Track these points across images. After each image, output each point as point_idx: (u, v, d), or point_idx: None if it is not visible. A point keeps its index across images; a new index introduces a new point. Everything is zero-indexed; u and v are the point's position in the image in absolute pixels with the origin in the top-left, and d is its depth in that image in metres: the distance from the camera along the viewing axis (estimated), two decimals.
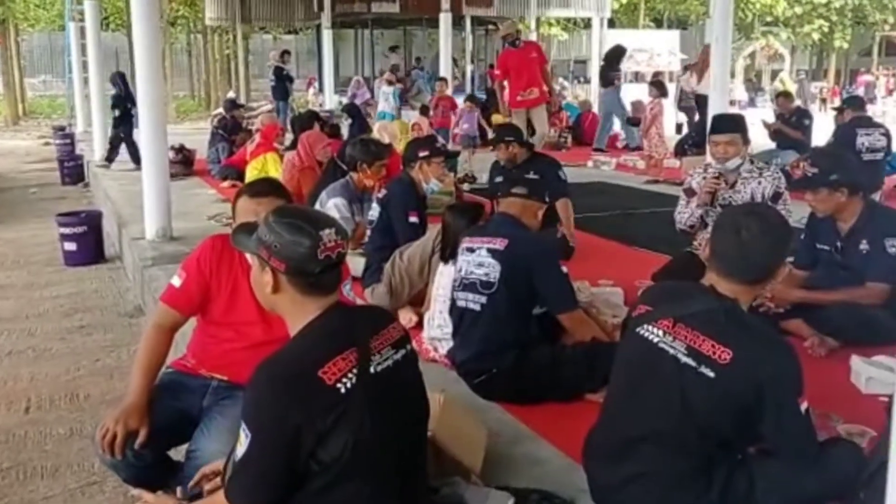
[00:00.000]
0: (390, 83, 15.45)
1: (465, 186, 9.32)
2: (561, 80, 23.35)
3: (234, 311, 2.75)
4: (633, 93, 14.93)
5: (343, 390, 1.86)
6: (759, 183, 4.67)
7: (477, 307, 3.37)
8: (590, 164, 11.44)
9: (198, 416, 2.71)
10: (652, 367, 2.30)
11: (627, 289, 4.71)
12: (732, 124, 4.74)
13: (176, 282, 2.80)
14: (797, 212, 4.51)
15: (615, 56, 14.67)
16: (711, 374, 2.18)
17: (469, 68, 22.21)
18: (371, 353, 1.97)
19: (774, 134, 10.26)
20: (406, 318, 4.33)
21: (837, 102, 31.15)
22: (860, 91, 27.76)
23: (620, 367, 2.45)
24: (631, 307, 2.50)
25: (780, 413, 2.18)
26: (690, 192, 4.84)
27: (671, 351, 2.26)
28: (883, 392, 3.38)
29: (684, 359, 2.23)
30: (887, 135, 8.13)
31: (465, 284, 3.42)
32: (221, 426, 2.57)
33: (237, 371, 2.63)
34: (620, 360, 2.45)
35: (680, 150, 11.66)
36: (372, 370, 1.95)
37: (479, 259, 3.37)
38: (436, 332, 3.78)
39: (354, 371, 1.90)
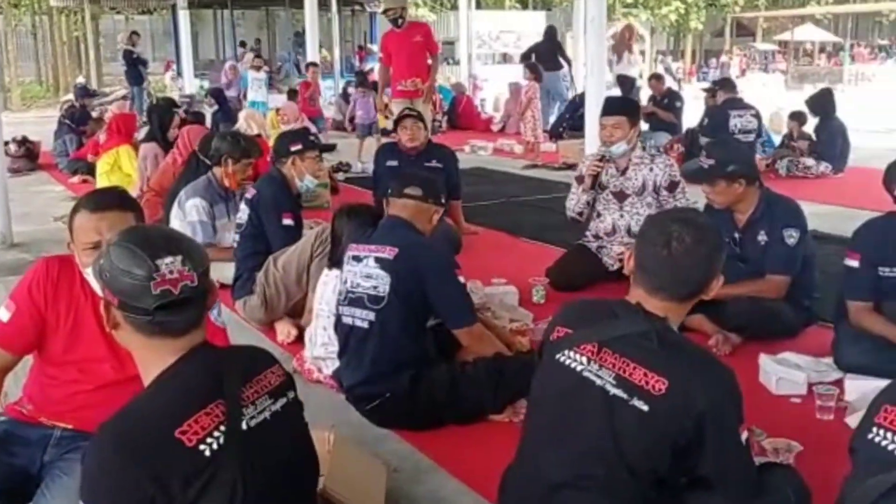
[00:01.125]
0: (258, 68, 14.46)
1: (340, 176, 8.90)
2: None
3: (77, 346, 2.30)
4: (503, 75, 14.83)
5: (208, 453, 1.55)
6: (651, 170, 4.52)
7: (365, 324, 2.99)
8: (466, 148, 11.20)
9: (38, 474, 2.28)
10: (576, 400, 2.00)
11: (521, 287, 4.45)
12: (620, 107, 4.58)
13: (3, 315, 2.31)
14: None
15: (551, 36, 14.29)
16: (645, 408, 1.90)
17: (336, 51, 21.58)
18: (243, 406, 1.66)
19: (647, 116, 10.30)
20: (284, 331, 3.92)
21: (695, 82, 32.38)
22: (717, 72, 28.84)
23: (539, 400, 2.14)
24: (547, 329, 2.19)
25: (721, 446, 1.93)
26: (581, 179, 4.65)
27: (598, 381, 1.97)
28: (793, 392, 3.24)
29: (613, 390, 1.95)
30: (758, 116, 8.24)
31: (351, 299, 3.03)
32: (68, 486, 2.13)
33: (84, 417, 2.22)
34: (538, 393, 2.14)
35: (555, 134, 11.59)
36: (244, 426, 1.63)
37: (366, 270, 3.00)
38: (319, 350, 3.39)
39: (222, 428, 1.59)
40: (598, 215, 4.66)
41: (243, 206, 4.30)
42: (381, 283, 2.95)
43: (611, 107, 4.61)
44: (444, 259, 3.10)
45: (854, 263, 3.40)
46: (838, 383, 3.27)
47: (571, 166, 9.30)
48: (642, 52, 26.34)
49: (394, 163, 5.66)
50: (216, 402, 1.61)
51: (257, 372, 1.77)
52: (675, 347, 1.96)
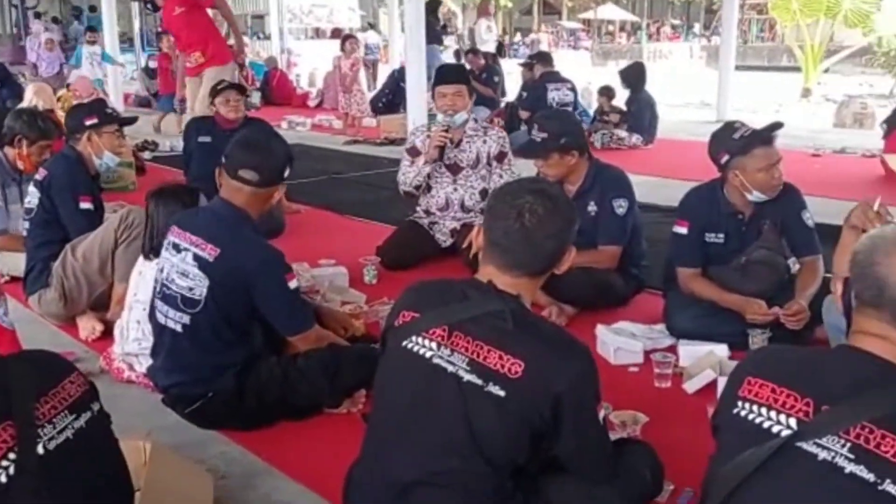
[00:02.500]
0: (93, 42, 12.95)
1: (146, 155, 8.28)
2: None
3: None
4: (318, 50, 14.44)
5: None
6: (485, 142, 4.43)
7: (178, 328, 2.64)
8: (284, 124, 10.78)
9: None
10: (427, 390, 1.83)
11: (352, 267, 4.23)
12: (459, 74, 4.46)
13: None
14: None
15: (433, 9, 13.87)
16: (502, 393, 1.75)
17: (136, 23, 20.27)
18: (38, 426, 1.41)
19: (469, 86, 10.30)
20: (88, 327, 3.49)
21: (508, 59, 33.06)
22: (528, 49, 29.53)
23: (385, 391, 1.94)
24: (390, 314, 2.00)
25: (579, 428, 1.83)
26: (414, 152, 4.48)
27: (450, 368, 1.81)
28: (631, 361, 3.23)
29: (467, 376, 1.79)
30: (574, 89, 8.40)
31: (165, 294, 2.67)
32: None
33: None
34: (384, 384, 1.95)
35: (375, 109, 11.38)
36: (40, 449, 1.40)
37: (183, 266, 2.62)
38: (132, 346, 3.01)
39: (11, 456, 1.36)
40: (430, 189, 4.51)
41: (32, 189, 3.77)
42: (197, 285, 2.59)
43: (450, 75, 4.47)
44: (274, 265, 2.69)
45: (682, 230, 3.44)
46: (672, 349, 3.30)
47: (394, 141, 9.17)
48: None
49: (206, 138, 5.25)
50: (4, 424, 1.37)
51: (54, 383, 1.50)
52: (531, 327, 1.83)
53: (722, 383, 2.87)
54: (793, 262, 3.47)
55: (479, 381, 1.77)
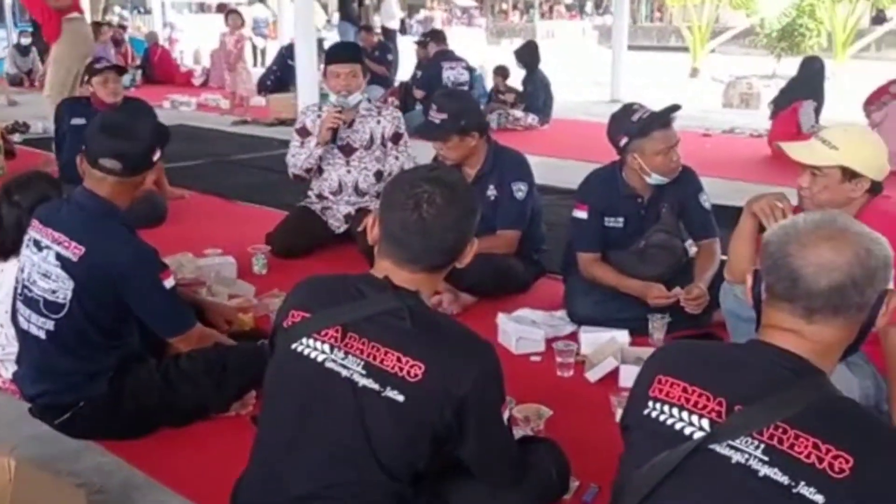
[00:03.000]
0: None
1: (17, 137, 7.74)
2: (118, 9, 21.17)
3: None
4: (203, 24, 13.89)
5: None
6: (379, 122, 4.27)
7: (41, 334, 2.39)
8: (166, 104, 10.31)
9: None
10: (319, 396, 1.69)
11: (240, 256, 4.01)
12: (353, 53, 4.27)
13: None
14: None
15: None
16: (400, 398, 1.63)
17: None
18: None
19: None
20: None
21: (400, 36, 32.75)
22: (421, 27, 29.30)
23: (274, 398, 1.79)
24: (279, 313, 1.83)
25: (483, 431, 1.73)
26: (304, 132, 4.29)
27: (344, 372, 1.67)
28: (533, 350, 3.16)
29: (363, 381, 1.65)
30: (469, 68, 8.30)
31: (27, 297, 2.41)
32: None
33: None
34: (273, 390, 1.79)
35: (263, 88, 11.01)
36: None
37: (45, 266, 2.36)
38: None
39: None
40: (322, 172, 4.32)
41: None
42: (61, 287, 2.34)
43: (344, 54, 4.27)
44: (146, 263, 2.44)
45: (582, 215, 3.38)
46: (573, 336, 3.24)
47: (284, 122, 8.88)
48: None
49: (80, 121, 4.88)
50: None
51: None
52: (431, 326, 1.70)
53: (624, 371, 2.88)
54: (690, 245, 3.47)
55: (376, 386, 1.64)
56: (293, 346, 1.72)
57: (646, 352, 2.99)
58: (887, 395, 2.33)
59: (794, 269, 1.39)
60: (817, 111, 7.35)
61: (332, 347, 1.69)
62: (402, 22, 16.70)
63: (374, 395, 1.64)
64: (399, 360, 1.64)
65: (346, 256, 4.16)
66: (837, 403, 1.34)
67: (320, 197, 4.37)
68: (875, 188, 2.42)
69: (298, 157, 4.24)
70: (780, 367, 1.37)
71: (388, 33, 11.74)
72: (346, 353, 1.68)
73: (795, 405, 1.30)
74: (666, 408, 1.42)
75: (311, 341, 1.71)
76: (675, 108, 3.26)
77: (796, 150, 2.44)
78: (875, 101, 6.87)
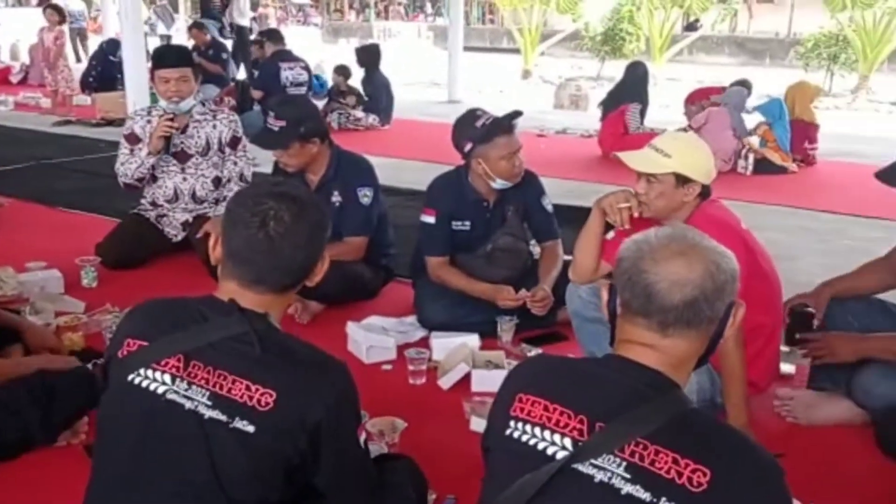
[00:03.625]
0: None
1: None
2: None
3: None
4: (21, 18, 12.96)
5: None
6: (215, 127, 4.09)
7: None
8: None
9: None
10: (161, 431, 1.56)
11: (67, 269, 3.73)
12: (182, 57, 4.05)
13: None
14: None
15: None
16: (250, 429, 1.53)
17: None
18: None
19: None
20: None
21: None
22: (256, 24, 28.57)
23: (110, 434, 1.64)
24: (113, 342, 1.69)
25: (339, 457, 1.65)
26: (134, 139, 4.04)
27: (188, 404, 1.55)
28: (384, 359, 3.11)
29: (209, 412, 1.54)
30: (308, 68, 8.15)
31: None
32: None
33: None
34: (109, 425, 1.64)
35: (87, 86, 10.40)
36: None
37: None
38: None
39: None
40: (156, 180, 4.09)
41: None
42: None
43: (172, 57, 4.01)
44: None
45: (430, 219, 3.38)
46: (424, 342, 3.22)
47: (112, 122, 8.41)
48: None
49: None
50: None
51: None
52: (282, 350, 1.61)
53: (475, 376, 2.88)
54: (534, 247, 3.54)
55: (224, 417, 1.53)
56: (130, 377, 1.59)
57: (496, 355, 3.03)
58: (721, 389, 2.45)
59: (649, 285, 1.41)
60: (643, 113, 7.72)
61: (173, 378, 1.57)
62: (253, 19, 16.16)
63: (221, 426, 1.53)
64: (248, 388, 1.54)
65: (185, 266, 3.97)
66: (695, 417, 1.37)
67: (154, 204, 4.13)
68: (704, 192, 2.54)
69: (129, 166, 3.99)
70: (638, 383, 1.38)
71: (241, 31, 11.32)
72: (190, 384, 1.56)
73: (655, 421, 1.32)
74: (528, 427, 1.41)
75: (149, 372, 1.58)
76: (517, 114, 3.31)
77: (633, 160, 2.53)
78: (696, 101, 7.30)
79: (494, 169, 3.24)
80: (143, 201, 4.18)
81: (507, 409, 1.46)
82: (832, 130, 8.93)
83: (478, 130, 3.23)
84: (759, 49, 26.52)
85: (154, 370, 1.57)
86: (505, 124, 3.24)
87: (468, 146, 3.26)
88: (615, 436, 1.33)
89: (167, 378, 1.56)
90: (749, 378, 2.45)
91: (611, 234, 2.74)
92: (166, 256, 4.11)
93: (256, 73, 8.56)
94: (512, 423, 1.43)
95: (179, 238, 4.12)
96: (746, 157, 6.79)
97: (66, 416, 2.38)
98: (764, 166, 6.80)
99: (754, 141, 7.11)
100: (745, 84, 7.70)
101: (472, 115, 3.30)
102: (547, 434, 1.39)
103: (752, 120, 7.49)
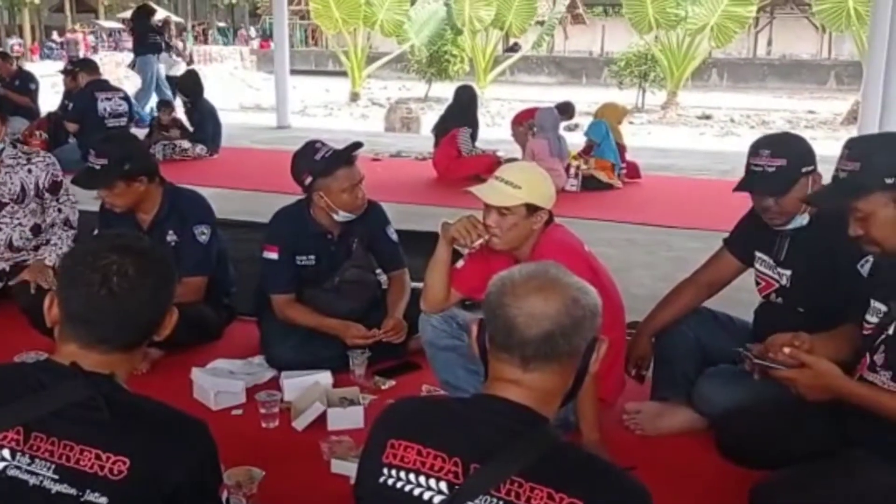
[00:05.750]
0: None
1: None
2: None
3: None
4: None
5: None
6: (31, 171, 3.81)
7: None
8: None
9: None
10: None
11: None
12: None
13: None
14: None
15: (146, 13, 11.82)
16: (103, 500, 1.43)
17: None
18: None
19: None
20: None
21: (41, 61, 30.10)
22: (64, 50, 27.16)
23: None
24: None
25: None
26: None
27: (32, 480, 1.43)
28: (234, 403, 3.00)
29: (56, 487, 1.43)
30: (127, 98, 7.80)
31: None
32: None
33: None
34: None
35: None
36: None
37: None
38: None
39: None
40: None
41: None
42: None
43: None
44: None
45: (273, 256, 3.30)
46: (274, 383, 3.13)
47: None
48: None
49: None
50: None
51: None
52: (133, 412, 1.51)
53: (331, 415, 2.83)
54: (379, 275, 3.52)
55: (73, 491, 1.43)
56: None
57: (351, 391, 2.99)
58: (574, 408, 2.52)
59: (509, 319, 1.44)
60: (473, 136, 7.91)
61: (13, 452, 1.44)
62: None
63: (71, 501, 1.42)
64: (99, 457, 1.44)
65: (4, 316, 3.68)
66: (566, 451, 1.40)
67: None
68: (549, 217, 2.63)
69: None
70: (508, 420, 1.40)
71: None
72: (33, 458, 1.44)
73: (527, 458, 1.33)
74: (402, 473, 1.39)
75: None
76: (358, 145, 3.30)
77: (487, 193, 2.57)
78: (523, 122, 7.54)
79: (337, 201, 3.21)
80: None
81: (378, 456, 1.43)
82: (649, 144, 9.52)
83: (318, 163, 3.19)
84: (575, 68, 27.97)
85: None
86: (345, 156, 3.22)
87: (308, 179, 3.21)
88: (490, 476, 1.33)
89: (6, 453, 1.44)
90: (599, 394, 2.55)
91: (460, 263, 2.77)
92: None
93: (70, 104, 8.08)
94: (385, 471, 1.41)
95: None
96: (576, 176, 7.09)
97: None
98: (591, 183, 7.12)
99: (578, 160, 7.43)
100: (567, 107, 8.04)
101: (311, 147, 3.25)
102: (422, 479, 1.38)
103: (578, 141, 7.85)
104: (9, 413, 1.46)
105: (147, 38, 11.53)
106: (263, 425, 2.85)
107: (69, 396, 1.47)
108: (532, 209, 2.54)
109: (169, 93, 11.34)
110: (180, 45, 11.98)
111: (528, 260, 2.54)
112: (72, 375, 1.50)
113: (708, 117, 16.87)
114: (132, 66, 11.70)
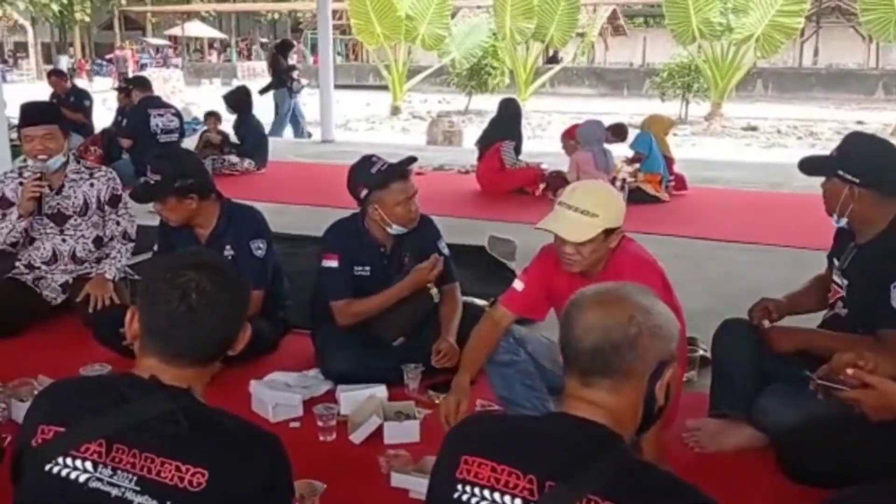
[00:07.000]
0: None
1: None
2: None
3: None
4: None
5: None
6: (92, 185, 3.92)
7: None
8: None
9: None
10: None
11: None
12: (47, 114, 3.87)
13: None
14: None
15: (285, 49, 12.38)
16: None
17: None
18: None
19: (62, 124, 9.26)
20: None
21: (87, 76, 30.81)
22: (114, 67, 27.73)
23: None
24: (23, 430, 1.58)
25: None
26: (5, 203, 3.83)
27: (114, 491, 1.47)
28: (291, 416, 3.03)
29: (137, 498, 1.46)
30: (179, 114, 7.94)
31: None
32: None
33: None
34: None
35: None
36: None
37: None
38: None
39: None
40: (32, 242, 3.87)
41: None
42: None
43: (35, 115, 3.81)
44: None
45: (332, 264, 3.34)
46: (330, 395, 3.16)
47: None
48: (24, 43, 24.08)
49: None
50: None
51: None
52: (210, 425, 1.55)
53: (387, 428, 2.85)
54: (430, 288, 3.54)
55: (154, 502, 1.46)
56: (47, 467, 1.49)
57: (407, 405, 3.01)
58: None
59: (569, 330, 1.47)
60: (517, 149, 7.92)
61: (95, 465, 1.48)
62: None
63: None
64: (178, 469, 1.47)
65: (67, 329, 3.78)
66: (642, 470, 1.39)
67: (31, 267, 3.90)
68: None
69: (0, 232, 3.78)
70: (584, 438, 1.40)
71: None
72: (115, 470, 1.47)
73: (604, 476, 1.33)
74: (476, 490, 1.40)
75: (69, 460, 1.48)
76: (412, 160, 3.33)
77: (565, 230, 2.51)
78: (574, 136, 7.52)
79: (391, 214, 3.25)
80: (18, 264, 3.94)
81: (452, 471, 1.45)
82: (694, 156, 9.43)
83: (374, 176, 3.23)
84: (617, 80, 27.83)
85: (74, 458, 1.48)
86: (400, 170, 3.25)
87: (364, 192, 3.26)
88: (567, 494, 1.34)
89: (88, 465, 1.48)
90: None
91: (518, 284, 2.78)
92: (46, 320, 3.88)
93: (124, 120, 8.26)
94: (459, 487, 1.42)
95: (59, 301, 3.91)
96: (622, 188, 7.06)
97: None
98: (637, 196, 7.08)
99: (626, 172, 7.40)
100: (620, 129, 7.96)
101: (367, 161, 3.30)
102: (497, 496, 1.38)
103: (620, 153, 7.81)
104: (91, 425, 1.50)
105: (282, 75, 12.25)
106: (321, 438, 2.88)
107: (150, 410, 1.51)
108: (609, 231, 2.53)
109: (303, 124, 12.50)
110: (304, 81, 12.62)
111: (600, 275, 2.54)
112: (152, 389, 1.54)
113: (753, 128, 16.71)
114: (263, 92, 12.31)
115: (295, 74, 12.30)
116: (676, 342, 1.50)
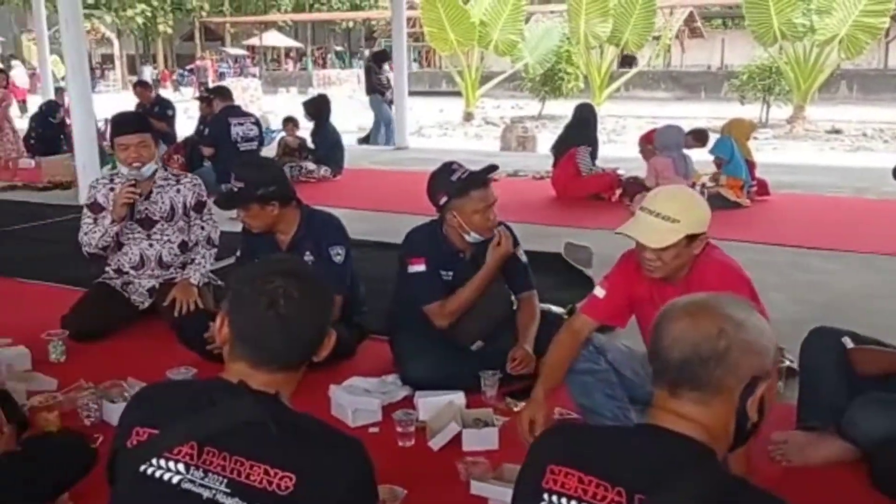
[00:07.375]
0: None
1: None
2: None
3: None
4: None
5: None
6: (179, 191, 4.04)
7: None
8: None
9: None
10: None
11: (34, 345, 3.58)
12: (139, 123, 4.01)
13: None
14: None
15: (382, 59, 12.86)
16: None
17: None
18: None
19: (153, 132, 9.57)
20: None
21: (171, 86, 31.71)
22: (195, 77, 28.50)
23: None
24: (118, 433, 1.63)
25: None
26: (97, 208, 3.96)
27: (205, 493, 1.50)
28: (370, 421, 3.06)
29: (228, 501, 1.49)
30: (258, 123, 8.11)
31: None
32: None
33: None
34: None
35: (29, 147, 10.19)
36: None
37: None
38: None
39: None
40: (121, 247, 4.01)
41: None
42: None
43: (130, 123, 3.97)
44: None
45: (420, 268, 3.36)
46: (409, 401, 3.18)
47: (59, 185, 8.24)
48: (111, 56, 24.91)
49: None
50: None
51: None
52: (297, 430, 1.57)
53: (466, 435, 2.85)
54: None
55: None
56: (142, 468, 1.53)
57: (485, 413, 3.01)
58: None
59: (658, 341, 1.44)
60: (593, 154, 7.86)
61: (187, 466, 1.51)
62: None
63: None
64: (267, 472, 1.50)
65: (154, 334, 3.89)
66: (736, 486, 1.36)
67: (119, 272, 4.04)
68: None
69: (93, 236, 3.90)
70: (674, 451, 1.37)
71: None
72: (206, 472, 1.51)
73: (695, 490, 1.31)
74: (563, 500, 1.39)
75: (162, 461, 1.52)
76: (493, 168, 3.33)
77: (645, 235, 2.46)
78: (652, 141, 7.43)
79: (469, 222, 3.25)
80: (107, 269, 4.08)
81: (538, 480, 1.43)
82: (776, 161, 9.18)
83: (453, 184, 3.24)
84: (694, 83, 27.30)
85: (167, 459, 1.52)
86: (481, 178, 3.25)
87: (443, 199, 3.27)
88: None
89: (181, 467, 1.51)
90: None
91: (599, 291, 2.75)
92: (134, 325, 4.01)
93: (206, 129, 8.48)
94: (546, 497, 1.41)
95: (146, 305, 4.04)
96: (702, 194, 6.92)
97: (54, 485, 2.29)
98: (717, 202, 6.93)
99: (706, 177, 7.27)
100: (701, 134, 7.81)
101: (447, 168, 3.31)
102: None
103: (699, 158, 7.67)
104: (184, 429, 1.54)
105: (376, 84, 12.66)
106: (400, 444, 2.89)
107: (239, 414, 1.54)
108: (692, 237, 2.48)
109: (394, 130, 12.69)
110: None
111: (684, 281, 2.50)
112: (241, 394, 1.57)
113: (838, 131, 16.21)
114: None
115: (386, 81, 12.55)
116: (771, 357, 1.46)
